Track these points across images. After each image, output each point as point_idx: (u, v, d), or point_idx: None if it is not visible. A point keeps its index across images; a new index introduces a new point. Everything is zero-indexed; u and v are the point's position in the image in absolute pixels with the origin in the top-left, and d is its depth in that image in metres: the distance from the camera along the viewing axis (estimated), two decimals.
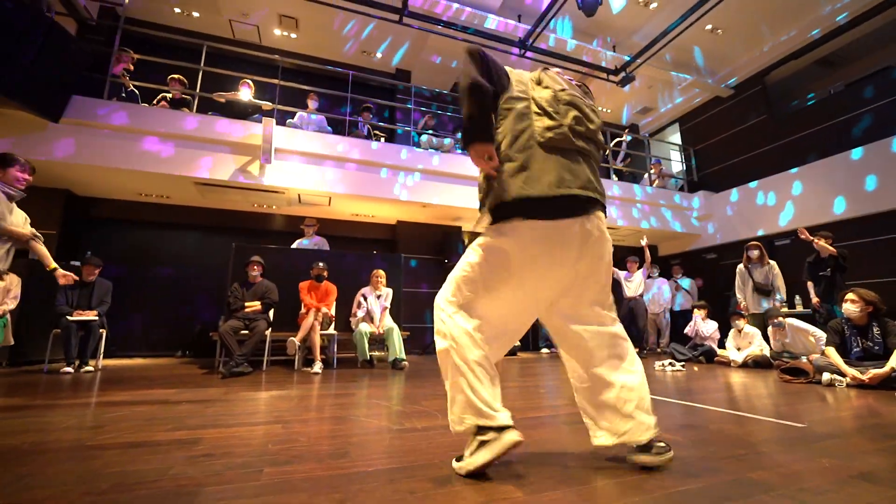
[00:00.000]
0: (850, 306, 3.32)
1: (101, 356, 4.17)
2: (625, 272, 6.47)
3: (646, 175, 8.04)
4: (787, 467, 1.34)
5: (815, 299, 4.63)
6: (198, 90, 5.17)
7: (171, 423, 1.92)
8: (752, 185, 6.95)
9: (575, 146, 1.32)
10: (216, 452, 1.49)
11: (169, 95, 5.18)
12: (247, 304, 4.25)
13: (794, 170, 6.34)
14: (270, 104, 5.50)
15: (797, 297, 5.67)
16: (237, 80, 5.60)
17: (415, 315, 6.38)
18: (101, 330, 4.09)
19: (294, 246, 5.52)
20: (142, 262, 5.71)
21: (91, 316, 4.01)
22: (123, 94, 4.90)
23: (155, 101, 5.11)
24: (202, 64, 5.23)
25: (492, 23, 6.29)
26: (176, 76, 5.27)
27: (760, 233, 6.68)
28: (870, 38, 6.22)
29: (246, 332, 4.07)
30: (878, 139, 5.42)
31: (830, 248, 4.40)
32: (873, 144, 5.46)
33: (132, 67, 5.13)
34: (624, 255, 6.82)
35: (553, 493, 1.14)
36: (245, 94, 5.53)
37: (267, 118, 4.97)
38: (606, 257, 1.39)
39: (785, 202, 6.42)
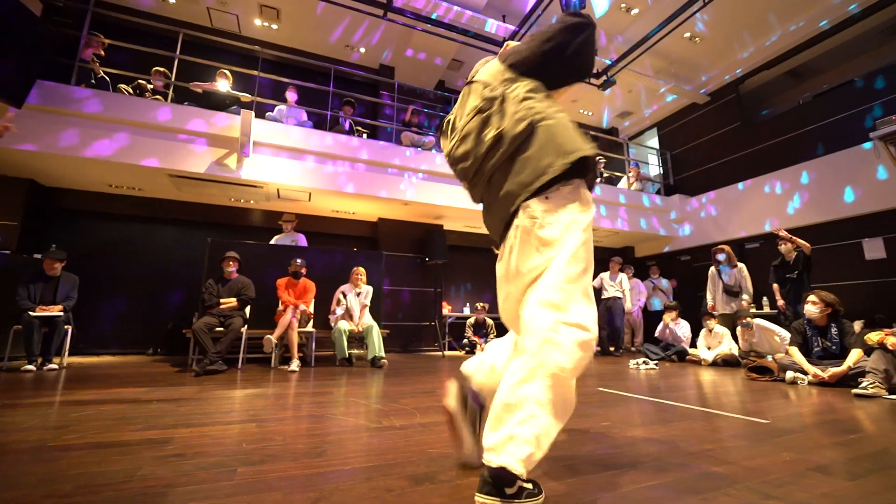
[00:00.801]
0: (812, 308, 3.48)
1: (67, 353, 4.00)
2: (607, 273, 6.53)
3: (624, 177, 8.21)
4: (752, 461, 1.40)
5: (780, 301, 4.83)
6: (173, 79, 5.01)
7: (141, 423, 1.87)
8: (725, 190, 7.19)
9: (465, 172, 1.33)
10: (188, 452, 1.46)
11: (150, 86, 5.00)
12: (222, 300, 4.15)
13: (765, 176, 6.57)
14: (249, 96, 5.37)
15: (764, 298, 5.90)
16: (214, 70, 5.45)
17: (395, 313, 6.37)
18: (66, 326, 3.93)
19: (272, 242, 5.42)
20: (112, 256, 5.49)
21: (55, 311, 3.84)
22: (93, 81, 4.70)
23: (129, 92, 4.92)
24: (178, 52, 5.07)
25: (476, 22, 6.30)
26: (161, 69, 5.11)
27: (732, 236, 6.91)
28: (835, 53, 6.51)
29: (221, 329, 3.97)
30: (844, 149, 5.66)
31: (804, 242, 4.61)
32: (836, 154, 5.72)
33: (103, 53, 4.93)
34: (603, 257, 6.95)
35: None
36: (223, 85, 5.39)
37: (245, 110, 4.85)
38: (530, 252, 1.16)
39: (754, 208, 6.66)
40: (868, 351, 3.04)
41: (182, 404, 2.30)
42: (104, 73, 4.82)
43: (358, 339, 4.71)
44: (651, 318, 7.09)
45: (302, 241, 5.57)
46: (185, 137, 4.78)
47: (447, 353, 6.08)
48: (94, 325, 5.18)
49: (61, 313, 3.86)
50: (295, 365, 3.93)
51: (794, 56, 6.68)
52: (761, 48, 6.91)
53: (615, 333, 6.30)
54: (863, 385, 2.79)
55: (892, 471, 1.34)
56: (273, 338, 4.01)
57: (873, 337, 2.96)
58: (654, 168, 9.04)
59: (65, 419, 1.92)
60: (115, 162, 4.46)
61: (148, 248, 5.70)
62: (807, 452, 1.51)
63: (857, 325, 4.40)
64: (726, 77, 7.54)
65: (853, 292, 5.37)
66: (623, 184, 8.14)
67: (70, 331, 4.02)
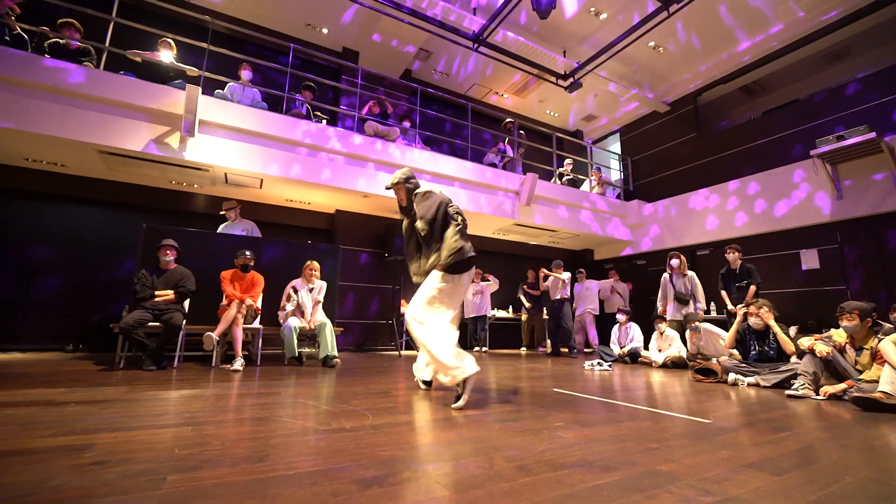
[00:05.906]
0: (754, 319, 3.75)
1: None
2: (567, 275, 6.57)
3: (586, 181, 8.45)
4: (693, 459, 1.47)
5: (730, 306, 5.04)
6: (107, 44, 4.50)
7: (55, 428, 1.66)
8: (680, 197, 7.54)
9: None
10: (110, 459, 1.30)
11: (62, 42, 4.39)
12: (157, 292, 3.82)
13: (716, 186, 6.95)
14: (196, 70, 4.97)
15: (712, 303, 6.26)
16: (157, 38, 4.98)
17: (350, 310, 6.20)
18: None
19: (220, 230, 5.07)
20: (26, 239, 4.88)
21: None
22: (7, 38, 4.14)
23: (46, 51, 4.33)
24: (114, 14, 4.56)
25: (447, 13, 6.19)
26: (69, 20, 4.43)
27: (684, 242, 7.27)
28: (784, 73, 7.04)
29: (155, 323, 3.66)
30: (787, 164, 6.10)
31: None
32: (780, 169, 6.16)
33: (18, 10, 4.34)
34: (558, 258, 7.09)
35: (478, 490, 1.14)
36: (166, 55, 4.95)
37: (192, 85, 4.47)
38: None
39: (706, 216, 7.04)
40: (801, 354, 3.30)
41: (105, 406, 2.08)
42: (22, 30, 4.26)
43: (309, 336, 4.52)
44: (607, 320, 7.23)
45: (255, 230, 5.27)
46: (120, 110, 4.34)
47: (404, 352, 6.00)
48: (2, 318, 4.60)
49: None
50: (238, 364, 3.70)
51: (747, 73, 7.12)
52: (718, 63, 7.30)
53: (568, 335, 6.46)
54: (794, 386, 3.01)
55: (814, 465, 1.45)
56: (215, 334, 3.73)
57: (804, 342, 3.20)
58: (615, 172, 9.32)
59: None
60: (32, 132, 3.96)
61: (71, 232, 5.13)
62: (742, 450, 1.61)
63: (793, 331, 4.80)
64: (686, 88, 7.89)
65: (790, 299, 5.83)
66: (585, 187, 8.35)
67: None
